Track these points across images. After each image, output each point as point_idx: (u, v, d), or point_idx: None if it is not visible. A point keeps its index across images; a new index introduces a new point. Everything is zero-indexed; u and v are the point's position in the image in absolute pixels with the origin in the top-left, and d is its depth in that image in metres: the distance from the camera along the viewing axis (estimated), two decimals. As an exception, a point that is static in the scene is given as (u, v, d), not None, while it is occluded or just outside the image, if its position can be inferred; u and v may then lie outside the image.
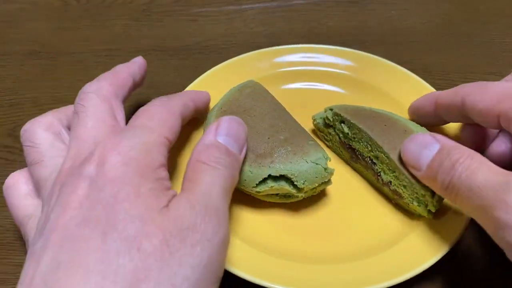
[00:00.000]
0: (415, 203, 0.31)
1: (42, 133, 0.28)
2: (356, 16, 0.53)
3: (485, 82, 0.29)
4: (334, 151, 0.37)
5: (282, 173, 0.31)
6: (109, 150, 0.23)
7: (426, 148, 0.27)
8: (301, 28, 0.52)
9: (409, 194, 0.31)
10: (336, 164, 0.36)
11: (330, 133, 0.37)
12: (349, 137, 0.35)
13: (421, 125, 0.34)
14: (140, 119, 0.26)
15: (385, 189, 0.33)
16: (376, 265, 0.30)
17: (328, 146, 0.37)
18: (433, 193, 0.29)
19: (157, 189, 0.23)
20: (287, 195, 0.32)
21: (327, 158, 0.31)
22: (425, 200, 0.30)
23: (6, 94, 0.45)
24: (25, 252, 0.34)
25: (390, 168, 0.31)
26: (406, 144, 0.29)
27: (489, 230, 0.24)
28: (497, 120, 0.27)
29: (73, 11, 0.55)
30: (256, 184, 0.31)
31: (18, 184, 0.28)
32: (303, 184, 0.31)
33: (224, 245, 0.23)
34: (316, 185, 0.31)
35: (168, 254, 0.21)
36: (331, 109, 0.36)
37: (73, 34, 0.52)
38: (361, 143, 0.34)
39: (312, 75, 0.42)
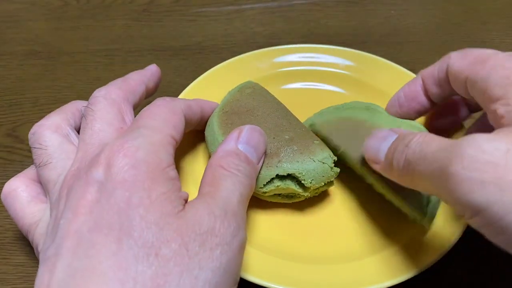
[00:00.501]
0: (410, 217, 0.30)
1: (50, 135, 0.28)
2: (356, 16, 0.53)
3: (473, 48, 0.28)
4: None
5: (290, 172, 0.31)
6: (115, 153, 0.23)
7: (385, 140, 0.27)
8: (301, 28, 0.52)
9: (402, 207, 0.31)
10: (339, 164, 0.36)
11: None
12: (332, 148, 0.33)
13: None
14: (143, 119, 0.26)
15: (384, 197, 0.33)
16: (377, 264, 0.30)
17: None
18: (423, 213, 0.29)
19: (170, 192, 0.23)
20: (289, 195, 0.32)
21: (332, 158, 0.32)
22: (418, 219, 0.30)
23: (6, 94, 0.45)
24: (25, 252, 0.34)
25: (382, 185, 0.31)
26: (367, 141, 0.28)
27: (448, 196, 0.21)
28: (465, 85, 0.27)
29: (73, 11, 0.55)
30: (264, 185, 0.31)
31: (18, 192, 0.28)
32: (311, 183, 0.31)
33: (242, 249, 0.23)
34: (322, 184, 0.31)
35: (188, 258, 0.21)
36: (310, 123, 0.35)
37: (72, 34, 0.52)
38: (345, 157, 0.33)
39: (312, 75, 0.42)
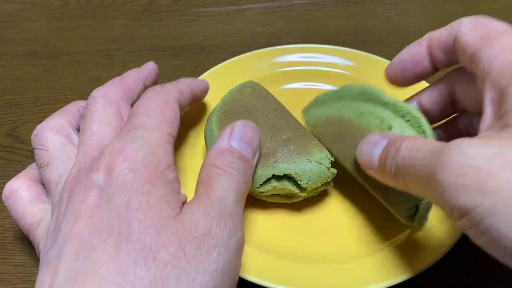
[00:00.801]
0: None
1: (52, 136, 0.28)
2: (356, 16, 0.53)
3: (486, 19, 0.27)
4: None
5: (286, 173, 0.31)
6: (115, 157, 0.23)
7: (376, 146, 0.27)
8: (301, 28, 0.52)
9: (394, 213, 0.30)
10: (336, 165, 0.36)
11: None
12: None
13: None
14: (139, 117, 0.25)
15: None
16: (376, 264, 0.30)
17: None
18: (410, 221, 0.29)
19: (168, 195, 0.22)
20: (288, 195, 0.32)
21: (330, 158, 0.32)
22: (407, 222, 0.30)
23: (6, 94, 0.45)
24: (25, 252, 0.34)
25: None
26: (359, 147, 0.28)
27: (436, 200, 0.22)
28: (472, 61, 0.26)
29: (73, 11, 0.55)
30: (260, 185, 0.31)
31: (19, 192, 0.28)
32: (307, 183, 0.31)
33: (239, 249, 0.23)
34: (319, 184, 0.31)
35: (185, 261, 0.21)
36: (303, 116, 0.35)
37: (73, 34, 0.52)
38: (341, 163, 0.32)
39: (312, 75, 0.42)
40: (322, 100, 0.35)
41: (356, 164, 0.29)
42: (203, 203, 0.23)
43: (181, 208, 0.23)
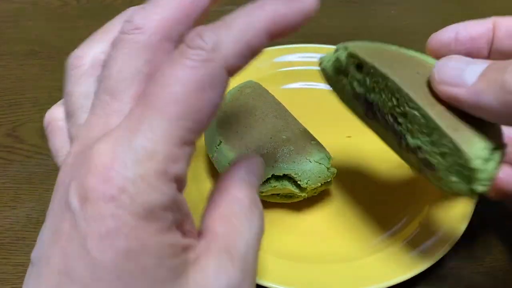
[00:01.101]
0: (454, 178, 0.23)
1: (80, 77, 0.22)
2: (356, 16, 0.53)
3: None
4: (346, 104, 0.30)
5: (286, 173, 0.31)
6: (97, 179, 0.16)
7: (471, 64, 0.23)
8: (301, 28, 0.52)
9: (446, 166, 0.23)
10: (337, 164, 0.36)
11: (340, 81, 0.28)
12: (367, 86, 0.27)
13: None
14: (151, 108, 0.17)
15: (411, 158, 0.26)
16: (376, 264, 0.30)
17: (338, 97, 0.30)
18: (478, 165, 0.22)
19: (165, 257, 0.16)
20: (288, 195, 0.32)
21: (329, 158, 0.32)
22: (469, 175, 0.22)
23: (6, 94, 0.45)
24: (25, 252, 0.34)
25: (424, 130, 0.23)
26: (443, 62, 0.24)
27: None
28: None
29: (73, 11, 0.55)
30: (260, 185, 0.31)
31: (58, 124, 0.23)
32: (306, 183, 0.31)
33: None
34: (319, 184, 0.31)
35: None
36: (345, 48, 0.28)
37: (73, 34, 0.52)
38: (383, 95, 0.26)
39: (312, 75, 0.42)
40: (363, 43, 0.29)
41: (419, 84, 0.24)
42: (222, 260, 0.18)
43: (185, 265, 0.17)
